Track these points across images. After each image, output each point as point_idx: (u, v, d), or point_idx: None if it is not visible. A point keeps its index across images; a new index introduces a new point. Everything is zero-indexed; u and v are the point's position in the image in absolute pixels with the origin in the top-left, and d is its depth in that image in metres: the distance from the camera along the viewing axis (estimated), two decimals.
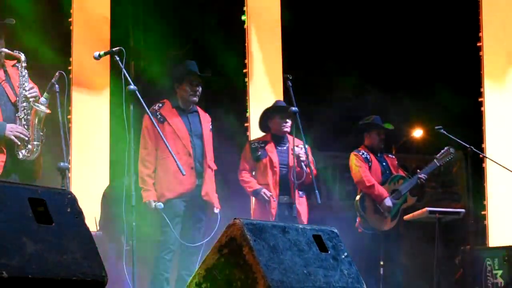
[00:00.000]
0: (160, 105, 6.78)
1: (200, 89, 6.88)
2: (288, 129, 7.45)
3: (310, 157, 7.32)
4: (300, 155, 7.25)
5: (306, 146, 7.21)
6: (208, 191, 6.77)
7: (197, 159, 6.74)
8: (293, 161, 7.27)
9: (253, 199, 7.93)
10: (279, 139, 7.52)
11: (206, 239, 6.68)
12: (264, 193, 7.26)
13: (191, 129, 6.74)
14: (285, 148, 7.48)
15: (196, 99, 6.88)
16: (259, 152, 7.44)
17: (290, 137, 7.46)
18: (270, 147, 7.45)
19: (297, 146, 7.30)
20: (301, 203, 7.29)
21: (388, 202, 8.11)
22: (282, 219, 7.12)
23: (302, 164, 7.21)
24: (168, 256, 6.59)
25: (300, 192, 7.33)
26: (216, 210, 6.83)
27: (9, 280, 3.42)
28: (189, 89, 6.84)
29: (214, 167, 6.88)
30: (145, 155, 6.67)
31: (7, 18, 5.76)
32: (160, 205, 6.48)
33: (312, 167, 7.23)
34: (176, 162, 5.97)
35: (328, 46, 11.28)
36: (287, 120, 7.45)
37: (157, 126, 6.25)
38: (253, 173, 7.51)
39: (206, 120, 6.98)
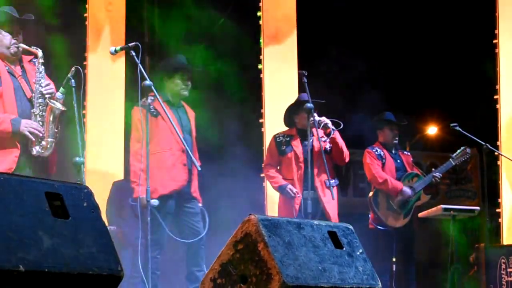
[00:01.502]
0: (152, 98, 6.53)
1: (190, 83, 6.81)
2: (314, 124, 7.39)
3: (340, 140, 7.26)
4: (324, 121, 7.16)
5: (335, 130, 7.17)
6: (196, 187, 6.73)
7: (189, 155, 6.66)
8: (318, 150, 7.19)
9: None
10: (304, 134, 7.42)
11: (201, 235, 6.62)
12: (290, 189, 7.21)
13: (182, 124, 6.63)
14: (310, 142, 7.41)
15: (187, 93, 6.79)
16: (284, 146, 7.39)
17: (314, 131, 7.41)
18: (296, 142, 7.39)
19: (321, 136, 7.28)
20: (326, 195, 7.17)
21: (407, 191, 8.10)
22: (305, 216, 7.07)
23: (331, 129, 7.10)
24: (159, 254, 6.53)
25: (332, 181, 7.17)
26: (200, 205, 6.78)
27: (26, 274, 3.43)
28: (181, 82, 6.75)
29: (199, 163, 6.74)
30: (138, 148, 6.51)
31: (24, 13, 5.78)
32: (155, 201, 6.22)
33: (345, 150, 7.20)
34: (192, 158, 5.97)
35: (342, 42, 11.25)
36: (315, 114, 7.40)
37: (170, 115, 6.20)
38: (278, 168, 7.45)
39: (192, 115, 6.90)
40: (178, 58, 6.86)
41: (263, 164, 7.59)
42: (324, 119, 7.21)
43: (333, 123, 7.18)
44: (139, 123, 6.53)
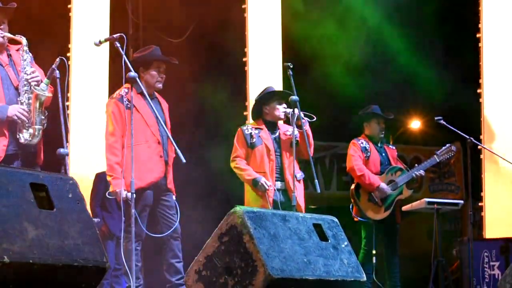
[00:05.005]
0: (126, 90, 6.46)
1: (164, 76, 6.77)
2: (284, 116, 7.38)
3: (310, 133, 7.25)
4: (297, 113, 7.13)
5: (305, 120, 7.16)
6: (171, 179, 6.70)
7: (164, 147, 6.60)
8: (288, 143, 7.20)
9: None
10: (272, 126, 7.42)
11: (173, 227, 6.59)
12: (265, 182, 7.18)
13: (157, 116, 6.52)
14: (277, 134, 7.40)
15: (161, 85, 6.73)
16: (254, 139, 7.34)
17: (280, 124, 7.42)
18: (265, 134, 7.34)
19: (287, 131, 7.29)
20: (297, 188, 7.19)
21: (384, 188, 8.10)
22: (279, 205, 7.07)
23: (304, 120, 7.11)
24: (139, 246, 6.49)
25: (298, 175, 7.21)
26: (174, 197, 6.76)
27: (11, 265, 3.41)
28: (157, 75, 6.71)
29: (174, 155, 6.70)
30: (113, 142, 6.43)
31: (9, 2, 5.76)
32: (129, 194, 6.15)
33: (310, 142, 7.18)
34: (176, 150, 5.94)
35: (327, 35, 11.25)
36: (285, 106, 7.38)
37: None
38: (247, 160, 7.37)
39: (166, 106, 6.85)
40: (154, 50, 6.81)
41: (231, 157, 7.47)
42: (296, 110, 7.18)
43: (306, 116, 7.15)
44: (113, 116, 6.48)
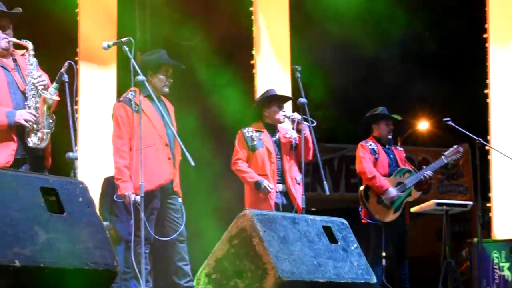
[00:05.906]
0: (133, 93, 6.45)
1: (171, 80, 6.77)
2: (283, 120, 7.39)
3: (310, 137, 7.24)
4: (297, 117, 7.15)
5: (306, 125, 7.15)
6: (178, 181, 6.70)
7: (172, 149, 6.58)
8: (288, 146, 7.23)
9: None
10: (272, 129, 7.43)
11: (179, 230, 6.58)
12: (267, 185, 7.19)
13: (164, 118, 6.50)
14: (277, 137, 7.41)
15: (168, 90, 6.74)
16: (255, 142, 7.35)
17: (280, 126, 7.43)
18: (266, 137, 7.35)
19: (286, 133, 7.31)
20: (297, 190, 7.21)
21: (391, 192, 8.10)
22: (281, 208, 7.08)
23: (303, 125, 7.11)
24: (147, 249, 6.49)
25: (298, 178, 7.22)
26: (180, 200, 6.75)
27: (22, 269, 3.42)
28: (165, 79, 6.72)
29: (180, 158, 6.70)
30: (121, 145, 6.42)
31: (14, 7, 5.76)
32: (138, 198, 6.15)
33: (310, 141, 7.17)
34: (185, 153, 5.94)
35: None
36: (284, 110, 7.40)
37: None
38: (248, 163, 7.38)
39: (171, 109, 6.85)
40: (162, 54, 6.81)
41: (232, 159, 7.47)
42: (296, 115, 7.20)
43: (307, 120, 7.15)
44: (120, 119, 6.47)
